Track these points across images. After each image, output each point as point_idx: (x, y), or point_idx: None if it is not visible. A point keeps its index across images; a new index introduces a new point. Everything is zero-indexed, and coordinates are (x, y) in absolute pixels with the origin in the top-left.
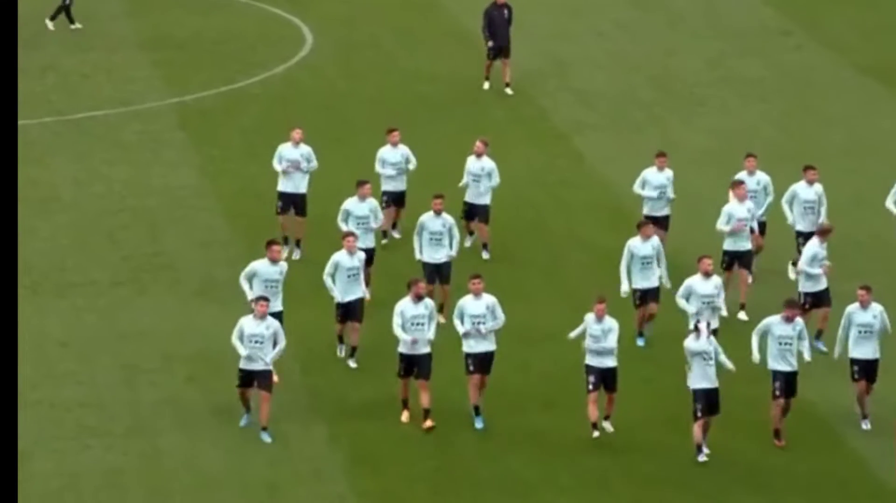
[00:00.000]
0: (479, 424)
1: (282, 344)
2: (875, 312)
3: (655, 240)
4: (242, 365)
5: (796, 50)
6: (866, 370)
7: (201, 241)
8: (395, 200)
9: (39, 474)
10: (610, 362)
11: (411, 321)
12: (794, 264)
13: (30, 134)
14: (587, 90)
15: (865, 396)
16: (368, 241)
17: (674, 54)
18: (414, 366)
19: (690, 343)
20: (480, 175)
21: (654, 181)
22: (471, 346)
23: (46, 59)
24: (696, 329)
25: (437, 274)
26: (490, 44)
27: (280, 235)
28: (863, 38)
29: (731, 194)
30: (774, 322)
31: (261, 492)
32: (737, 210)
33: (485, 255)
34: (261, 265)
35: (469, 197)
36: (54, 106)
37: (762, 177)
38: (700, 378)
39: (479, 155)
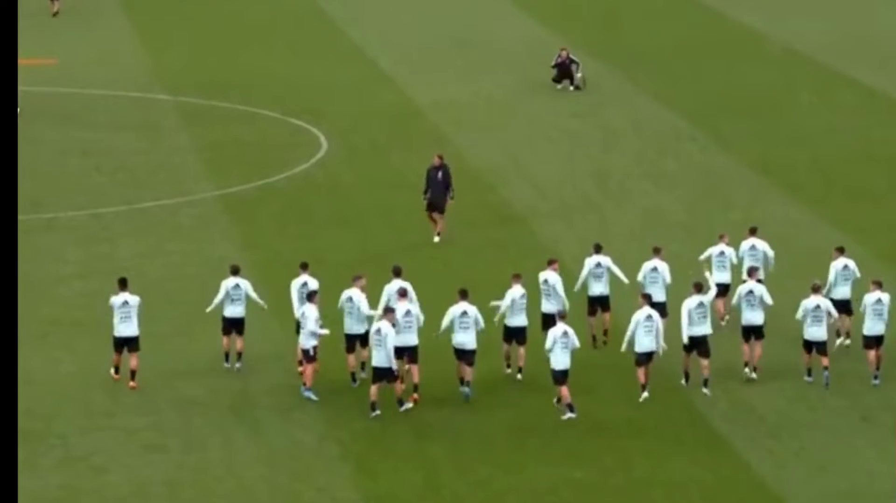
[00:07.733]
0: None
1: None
2: None
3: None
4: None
5: (701, 151)
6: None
7: None
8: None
9: (113, 484)
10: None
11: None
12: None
13: (105, 220)
14: (539, 182)
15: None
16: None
17: (606, 153)
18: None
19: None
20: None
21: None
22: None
23: (118, 160)
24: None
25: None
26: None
27: None
28: (750, 142)
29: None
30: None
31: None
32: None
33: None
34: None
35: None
36: (125, 197)
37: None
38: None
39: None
